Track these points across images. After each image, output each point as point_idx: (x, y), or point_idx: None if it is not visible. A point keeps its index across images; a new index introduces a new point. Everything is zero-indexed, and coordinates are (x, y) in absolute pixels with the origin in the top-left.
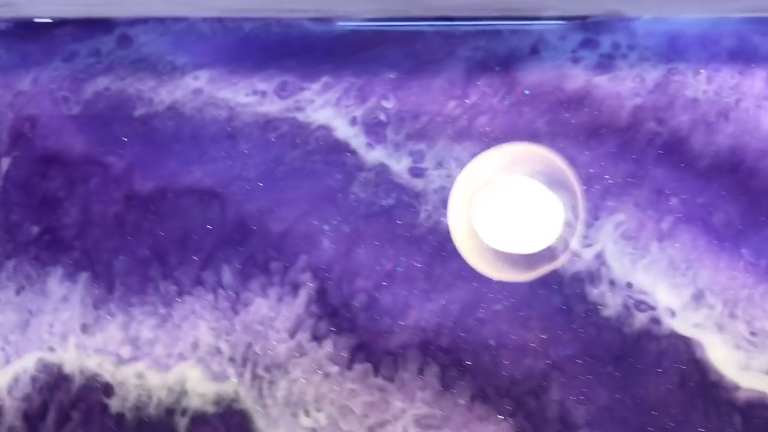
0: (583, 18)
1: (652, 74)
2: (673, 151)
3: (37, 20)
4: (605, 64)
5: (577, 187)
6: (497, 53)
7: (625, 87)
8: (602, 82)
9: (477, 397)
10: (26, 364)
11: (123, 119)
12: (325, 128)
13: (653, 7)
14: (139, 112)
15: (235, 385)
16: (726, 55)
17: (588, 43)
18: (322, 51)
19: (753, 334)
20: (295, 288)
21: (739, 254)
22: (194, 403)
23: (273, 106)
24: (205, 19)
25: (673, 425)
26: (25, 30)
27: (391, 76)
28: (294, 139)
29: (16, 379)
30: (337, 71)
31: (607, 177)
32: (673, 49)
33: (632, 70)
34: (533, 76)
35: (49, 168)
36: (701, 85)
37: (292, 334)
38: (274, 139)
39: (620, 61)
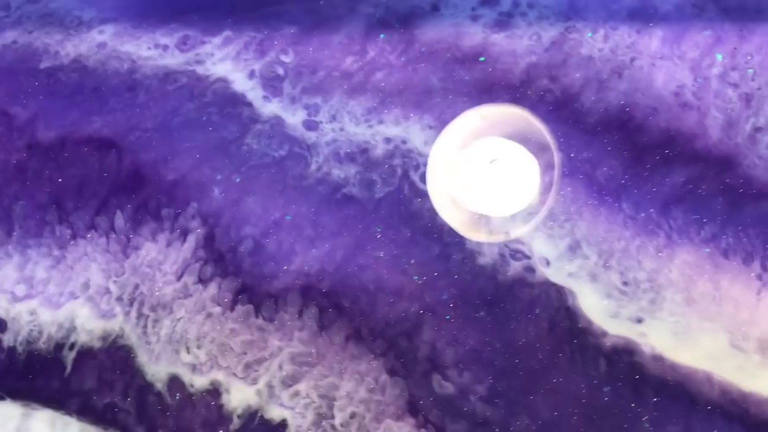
0: None
1: (550, 32)
2: (563, 107)
3: None
4: (504, 22)
5: (554, 147)
6: (398, 10)
7: (521, 45)
8: (499, 39)
9: (351, 338)
10: None
11: (29, 72)
12: (223, 81)
13: None
14: (44, 64)
15: (121, 323)
16: (625, 13)
17: (488, 2)
18: (225, 6)
19: (625, 284)
20: (184, 234)
21: (619, 208)
22: (82, 338)
23: (174, 59)
24: None
25: (538, 368)
26: None
27: (292, 31)
28: (192, 92)
29: None
30: (238, 26)
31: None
32: (573, 8)
33: (530, 28)
34: (431, 33)
35: None
36: (597, 43)
37: (179, 277)
38: (172, 91)
39: (519, 19)
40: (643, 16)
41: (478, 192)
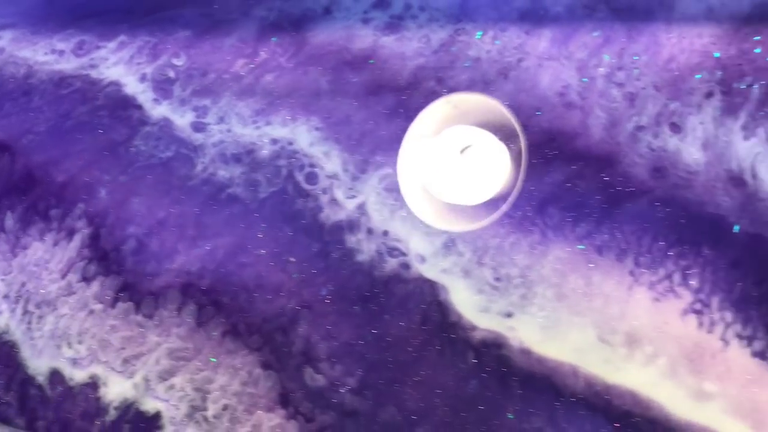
0: None
1: (439, 34)
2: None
3: None
4: (395, 24)
5: (522, 136)
6: (291, 13)
7: (410, 47)
8: (389, 42)
9: (229, 333)
10: None
11: None
12: (116, 84)
13: None
14: None
15: (6, 319)
16: (516, 15)
17: (380, 4)
18: (122, 11)
19: (497, 279)
20: (71, 233)
21: (495, 208)
22: None
23: (69, 64)
24: None
25: (408, 360)
26: None
27: (185, 34)
28: (85, 95)
29: None
30: (133, 30)
31: (382, 133)
32: (464, 10)
33: (420, 31)
34: (323, 36)
35: None
36: (486, 44)
37: (63, 275)
38: (66, 95)
39: (409, 21)
40: (533, 18)
41: (450, 181)
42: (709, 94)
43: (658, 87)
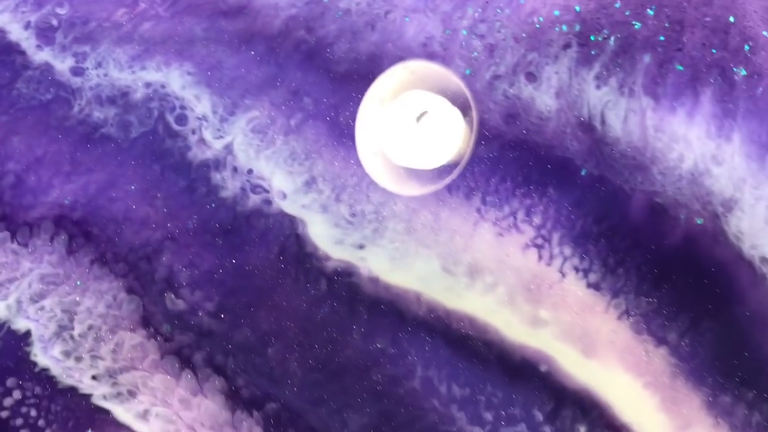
0: None
1: None
2: (316, 57)
3: None
4: None
5: (472, 102)
6: None
7: None
8: None
9: (96, 261)
10: None
11: None
12: (1, 32)
13: None
14: None
15: None
16: None
17: None
18: None
19: (353, 215)
20: None
21: (355, 148)
22: None
23: None
24: None
25: (265, 288)
26: None
27: None
28: (5, 53)
29: None
30: None
31: (252, 78)
32: None
33: None
34: None
35: None
36: None
37: None
38: None
39: None
40: None
41: (407, 146)
42: (567, 46)
43: (518, 39)
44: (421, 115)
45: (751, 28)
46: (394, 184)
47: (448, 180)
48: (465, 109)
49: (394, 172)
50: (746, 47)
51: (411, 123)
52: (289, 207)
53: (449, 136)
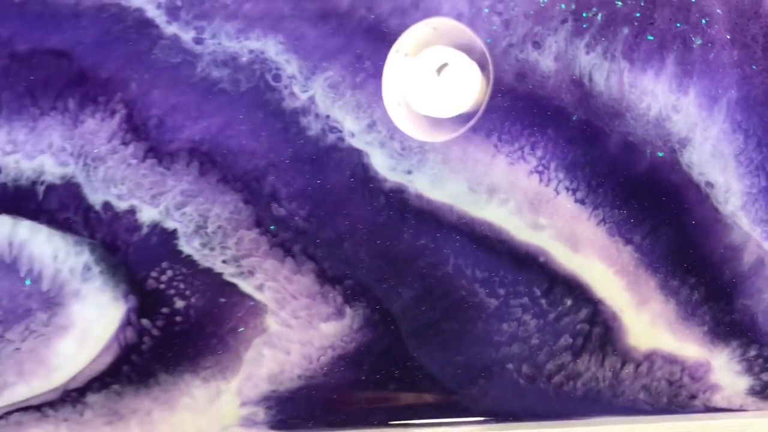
0: None
1: None
2: (374, 30)
3: None
4: None
5: (489, 58)
6: None
7: None
8: None
9: (220, 180)
10: None
11: (7, 4)
12: (139, 11)
13: None
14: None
15: (72, 169)
16: None
17: None
18: None
19: (403, 149)
20: (113, 113)
21: None
22: (48, 179)
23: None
24: None
25: (341, 200)
26: None
27: None
28: (118, 18)
29: None
30: None
31: (326, 47)
32: None
33: None
34: None
35: None
36: None
37: (109, 140)
38: (105, 18)
39: None
40: None
41: (429, 96)
42: (564, 21)
43: (527, 15)
44: (442, 67)
45: (708, 7)
46: (416, 132)
47: (466, 127)
48: (482, 63)
49: (417, 121)
50: (703, 21)
51: (432, 75)
52: (357, 143)
53: (467, 88)
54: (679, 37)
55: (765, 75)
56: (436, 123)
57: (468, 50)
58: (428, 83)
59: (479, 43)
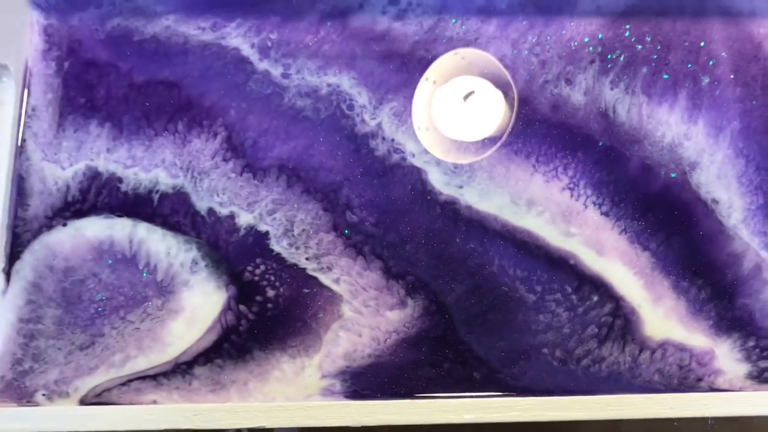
0: None
1: (428, 21)
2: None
3: None
4: (401, 14)
5: (513, 86)
6: (338, 7)
7: (410, 29)
8: (397, 26)
9: (304, 191)
10: None
11: (128, 42)
12: (236, 49)
13: None
14: (136, 38)
15: (182, 180)
16: (475, 8)
17: (393, 2)
18: (237, 4)
19: (455, 167)
20: (215, 134)
21: None
22: (162, 188)
23: (208, 36)
24: None
25: (403, 210)
26: None
27: (276, 19)
28: (218, 55)
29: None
30: (245, 16)
31: (390, 82)
32: (444, 5)
33: (416, 18)
34: (357, 23)
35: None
36: (456, 28)
37: (213, 157)
38: (207, 55)
39: (410, 12)
40: (486, 11)
41: (455, 121)
42: (592, 61)
43: (560, 56)
44: (468, 94)
45: (715, 51)
46: (443, 154)
47: (491, 151)
48: (506, 91)
49: (444, 144)
50: (711, 63)
51: (459, 102)
52: (417, 162)
53: (492, 114)
54: (690, 76)
55: (763, 109)
56: (460, 146)
57: (493, 79)
58: (455, 109)
59: (505, 72)
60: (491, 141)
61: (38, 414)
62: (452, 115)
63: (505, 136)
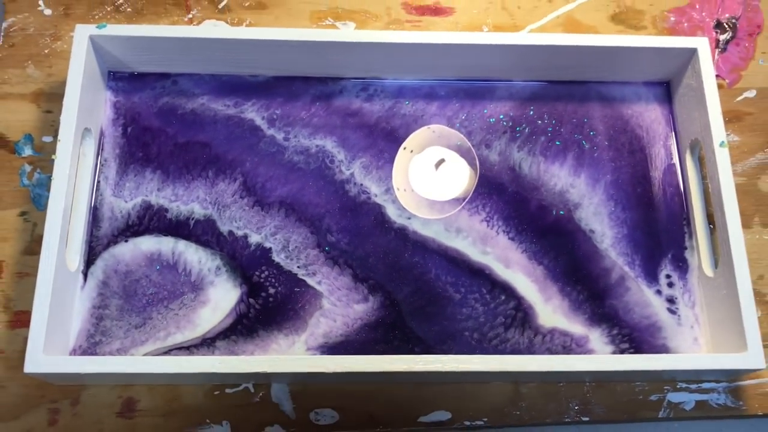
0: None
1: (387, 103)
2: (390, 135)
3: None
4: (369, 98)
5: (475, 156)
6: (325, 92)
7: (376, 108)
8: (367, 106)
9: (298, 220)
10: None
11: (172, 113)
12: (251, 120)
13: None
14: (180, 111)
15: (210, 213)
16: (423, 93)
17: (365, 89)
18: (252, 88)
19: (405, 205)
20: (234, 180)
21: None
22: (197, 215)
23: (230, 111)
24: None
25: (369, 234)
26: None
27: (279, 100)
28: (238, 124)
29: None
30: (258, 97)
31: (361, 144)
32: (401, 91)
33: (380, 101)
34: (338, 103)
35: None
36: (407, 108)
37: (233, 196)
38: (231, 124)
39: (375, 97)
40: (433, 96)
41: (428, 184)
42: (505, 132)
43: (482, 128)
44: (439, 162)
45: (595, 125)
46: (417, 210)
47: (458, 209)
48: (470, 160)
49: (418, 202)
50: (591, 133)
51: (431, 168)
52: (378, 200)
53: (459, 178)
54: (576, 143)
55: (629, 167)
56: (432, 205)
57: (459, 150)
58: (428, 174)
59: (469, 145)
60: (458, 201)
61: (109, 361)
62: (425, 179)
63: (468, 196)
